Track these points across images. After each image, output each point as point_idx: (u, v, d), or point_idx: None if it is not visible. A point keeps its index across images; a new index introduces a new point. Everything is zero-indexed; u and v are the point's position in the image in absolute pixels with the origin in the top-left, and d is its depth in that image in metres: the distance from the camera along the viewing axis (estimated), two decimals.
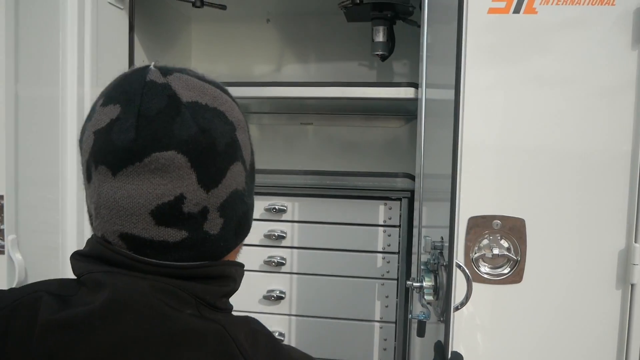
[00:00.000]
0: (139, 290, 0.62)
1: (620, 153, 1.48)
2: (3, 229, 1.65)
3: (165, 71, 0.66)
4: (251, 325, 0.71)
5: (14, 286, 1.38)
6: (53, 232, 1.44)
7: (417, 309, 1.23)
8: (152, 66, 0.67)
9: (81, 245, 1.44)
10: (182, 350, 0.59)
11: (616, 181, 1.49)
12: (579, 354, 1.52)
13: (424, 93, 1.52)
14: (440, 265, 1.14)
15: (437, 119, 1.41)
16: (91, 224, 0.71)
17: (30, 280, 1.41)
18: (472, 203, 1.55)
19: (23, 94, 1.38)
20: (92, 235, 0.70)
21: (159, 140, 0.62)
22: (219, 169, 0.66)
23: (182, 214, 0.64)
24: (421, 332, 1.21)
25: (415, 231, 1.63)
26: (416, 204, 1.56)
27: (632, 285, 1.48)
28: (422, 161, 1.48)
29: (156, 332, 0.60)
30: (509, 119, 1.52)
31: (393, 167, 2.22)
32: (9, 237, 1.38)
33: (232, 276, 0.71)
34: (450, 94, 1.11)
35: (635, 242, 1.47)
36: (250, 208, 0.75)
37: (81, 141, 0.68)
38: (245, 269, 1.71)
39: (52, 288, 0.68)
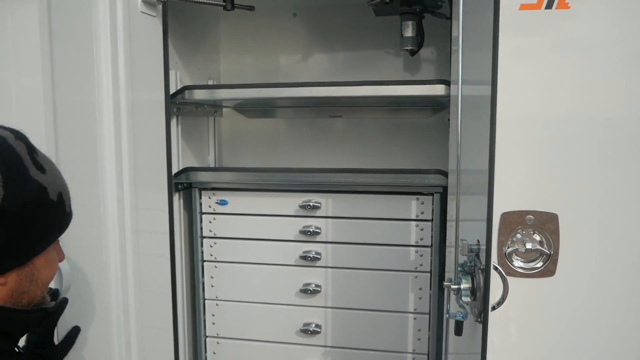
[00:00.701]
0: None
1: None
2: None
3: None
4: None
5: (62, 291, 1.46)
6: (95, 227, 1.52)
7: (454, 309, 1.29)
8: None
9: (122, 241, 1.51)
10: None
11: None
12: (612, 347, 1.56)
13: (459, 90, 1.54)
14: (477, 268, 1.18)
15: (469, 115, 1.43)
16: None
17: (78, 283, 1.50)
18: (504, 198, 1.57)
19: (60, 102, 1.44)
20: None
21: None
22: None
23: None
24: (459, 331, 1.27)
25: (448, 225, 1.68)
26: (449, 199, 1.60)
27: None
28: (459, 158, 1.51)
29: None
30: (540, 94, 1.53)
31: (421, 157, 2.25)
32: None
33: None
34: (486, 90, 1.14)
35: None
36: None
37: None
38: (282, 263, 1.80)
39: None
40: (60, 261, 1.05)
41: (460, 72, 1.49)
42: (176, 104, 1.87)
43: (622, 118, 1.49)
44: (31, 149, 0.86)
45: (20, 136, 0.86)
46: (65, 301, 1.09)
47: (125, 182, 1.53)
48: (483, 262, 1.15)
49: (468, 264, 1.22)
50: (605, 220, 1.53)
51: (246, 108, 2.35)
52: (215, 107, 2.25)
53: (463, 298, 1.21)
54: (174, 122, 1.90)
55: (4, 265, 0.80)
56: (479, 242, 1.20)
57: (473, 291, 1.21)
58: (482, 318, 1.14)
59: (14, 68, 1.72)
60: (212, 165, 2.29)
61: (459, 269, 1.24)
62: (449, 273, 1.52)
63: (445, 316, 1.37)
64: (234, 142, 2.42)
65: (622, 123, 1.49)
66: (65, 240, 1.46)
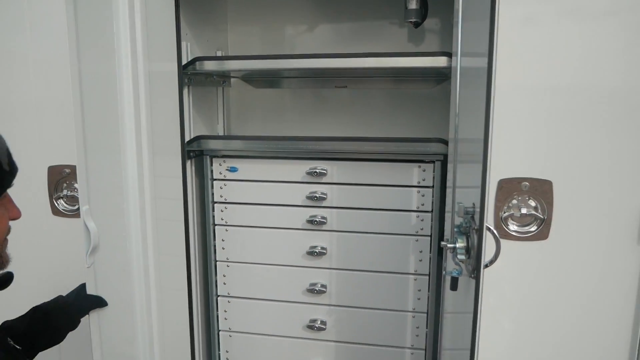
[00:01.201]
0: None
1: None
2: (76, 196, 1.87)
3: None
4: None
5: (89, 252, 1.59)
6: (117, 195, 1.64)
7: (450, 266, 1.40)
8: None
9: (142, 206, 1.63)
10: None
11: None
12: (600, 305, 1.68)
13: (458, 61, 1.62)
14: (472, 228, 1.29)
15: (471, 86, 1.52)
16: None
17: (103, 244, 1.63)
18: (502, 165, 1.68)
19: (86, 70, 1.54)
20: None
21: None
22: None
23: None
24: (454, 287, 1.38)
25: (447, 192, 1.78)
26: (450, 167, 1.70)
27: None
28: (457, 127, 1.61)
29: None
30: (541, 62, 1.61)
31: (424, 126, 2.34)
32: (84, 208, 1.58)
33: None
34: (483, 62, 1.22)
35: None
36: None
37: None
38: (289, 227, 1.94)
39: None
40: (14, 218, 1.12)
41: (460, 44, 1.57)
42: (187, 74, 1.96)
43: (622, 88, 1.58)
44: None
45: None
46: (10, 275, 1.19)
47: (144, 150, 1.64)
48: (477, 223, 1.26)
49: (464, 225, 1.33)
50: (597, 187, 1.63)
51: (254, 78, 2.43)
52: (224, 77, 2.34)
53: (458, 256, 1.32)
54: (185, 92, 1.99)
55: None
56: (474, 205, 1.29)
57: (468, 250, 1.32)
58: (475, 274, 1.25)
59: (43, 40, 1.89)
60: (220, 133, 2.39)
61: (455, 229, 1.35)
62: (448, 236, 1.63)
63: (443, 273, 1.48)
64: (241, 111, 2.51)
65: (622, 93, 1.58)
66: (91, 206, 1.59)
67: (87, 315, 1.64)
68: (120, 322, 1.69)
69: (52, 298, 1.56)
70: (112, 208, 1.63)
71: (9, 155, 1.07)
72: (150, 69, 1.65)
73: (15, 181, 1.76)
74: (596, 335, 1.70)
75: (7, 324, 1.34)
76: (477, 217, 1.27)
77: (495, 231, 1.37)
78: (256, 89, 2.48)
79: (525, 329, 1.74)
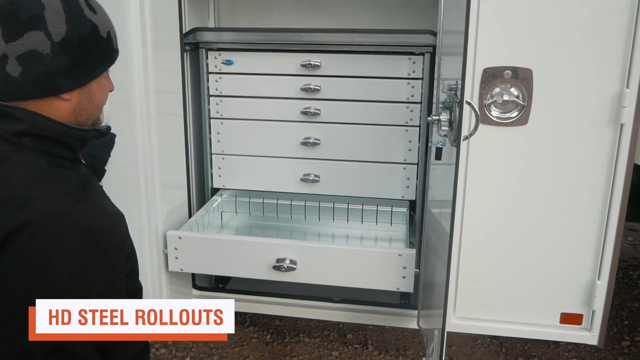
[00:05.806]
0: None
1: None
2: None
3: None
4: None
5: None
6: (124, 89, 1.92)
7: (436, 139, 1.74)
8: None
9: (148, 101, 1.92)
10: None
11: (616, 31, 1.91)
12: (575, 184, 2.05)
13: None
14: (455, 102, 1.62)
15: None
16: None
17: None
18: (486, 55, 1.99)
19: None
20: None
21: None
22: (17, 31, 1.08)
23: None
24: (438, 156, 1.73)
25: (436, 83, 2.10)
26: (438, 59, 2.02)
27: (622, 124, 1.97)
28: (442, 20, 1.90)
29: None
30: None
31: (411, 19, 2.61)
32: None
33: (21, 118, 1.11)
34: None
35: (627, 87, 1.93)
36: (56, 73, 1.13)
37: None
38: (284, 119, 2.31)
39: None
40: (110, 91, 1.42)
41: None
42: None
43: None
44: None
45: None
46: (111, 131, 1.48)
47: (147, 44, 1.90)
48: (459, 97, 1.58)
49: (448, 100, 1.66)
50: (573, 75, 1.97)
51: None
52: None
53: (442, 128, 1.65)
54: None
55: (68, 84, 1.16)
56: (457, 82, 1.61)
57: (450, 123, 1.65)
58: (456, 143, 1.59)
59: None
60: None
61: (440, 105, 1.68)
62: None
63: (429, 144, 1.82)
64: (231, 5, 2.75)
65: None
66: None
67: None
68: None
69: None
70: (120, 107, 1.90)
71: (116, 37, 1.30)
72: None
73: None
74: (571, 208, 2.08)
75: None
76: (459, 92, 1.60)
77: (475, 105, 1.70)
78: None
79: (505, 207, 2.12)
